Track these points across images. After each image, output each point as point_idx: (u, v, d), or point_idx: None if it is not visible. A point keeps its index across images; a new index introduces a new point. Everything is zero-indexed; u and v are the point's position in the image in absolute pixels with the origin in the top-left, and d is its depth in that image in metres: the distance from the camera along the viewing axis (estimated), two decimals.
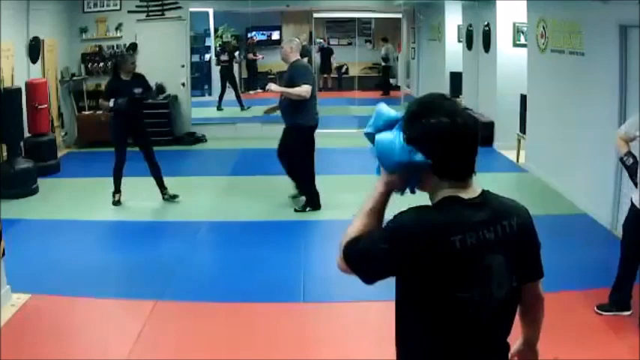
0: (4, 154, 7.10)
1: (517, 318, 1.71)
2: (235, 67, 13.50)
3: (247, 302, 4.39)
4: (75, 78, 9.65)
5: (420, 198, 1.63)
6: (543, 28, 7.36)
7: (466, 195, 1.55)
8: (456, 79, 11.28)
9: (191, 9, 10.40)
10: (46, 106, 8.01)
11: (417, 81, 14.78)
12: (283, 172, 6.43)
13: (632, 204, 3.88)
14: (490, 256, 1.53)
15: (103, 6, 9.82)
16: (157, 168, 6.58)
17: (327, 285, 4.68)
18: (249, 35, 14.82)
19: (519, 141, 8.45)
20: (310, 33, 13.55)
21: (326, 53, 16.03)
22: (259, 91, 11.49)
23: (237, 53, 13.66)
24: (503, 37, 9.03)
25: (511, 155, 8.64)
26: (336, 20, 15.90)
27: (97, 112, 9.59)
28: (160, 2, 9.86)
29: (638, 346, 3.55)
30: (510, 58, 8.87)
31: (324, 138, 9.58)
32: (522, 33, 8.72)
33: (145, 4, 9.84)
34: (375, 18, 15.64)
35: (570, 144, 6.67)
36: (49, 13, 8.92)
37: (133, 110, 6.31)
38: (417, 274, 1.52)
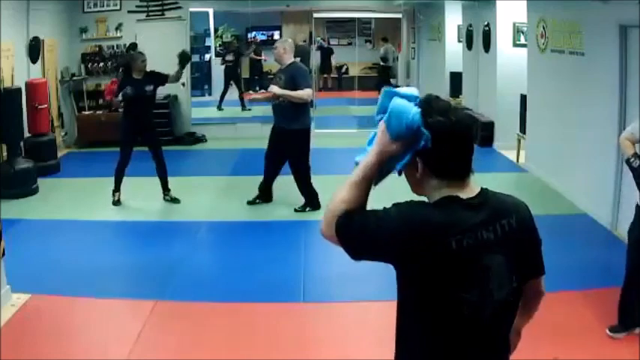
0: (4, 154, 7.10)
1: None
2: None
3: (247, 302, 4.39)
4: (75, 78, 9.65)
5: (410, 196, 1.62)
6: (543, 28, 7.36)
7: (464, 194, 1.55)
8: (456, 79, 11.29)
9: (191, 9, 10.40)
10: (46, 106, 8.01)
11: (417, 81, 14.78)
12: (283, 173, 6.42)
13: (638, 207, 3.68)
14: (489, 256, 1.52)
15: (103, 6, 9.82)
16: (163, 168, 6.58)
17: (327, 285, 4.69)
18: (249, 35, 14.83)
19: (519, 141, 8.45)
20: (310, 33, 13.53)
21: (326, 53, 16.04)
22: (251, 92, 11.43)
23: (247, 52, 13.64)
24: (503, 37, 9.03)
25: (511, 155, 8.64)
26: (336, 20, 15.90)
27: (97, 112, 9.64)
28: (160, 2, 9.86)
29: (638, 346, 3.56)
30: (510, 58, 8.87)
31: (323, 138, 9.63)
32: (522, 33, 8.72)
33: (145, 4, 9.84)
34: (375, 18, 15.63)
35: (570, 144, 6.67)
36: (49, 13, 8.92)
37: (144, 109, 6.32)
38: (415, 271, 1.52)
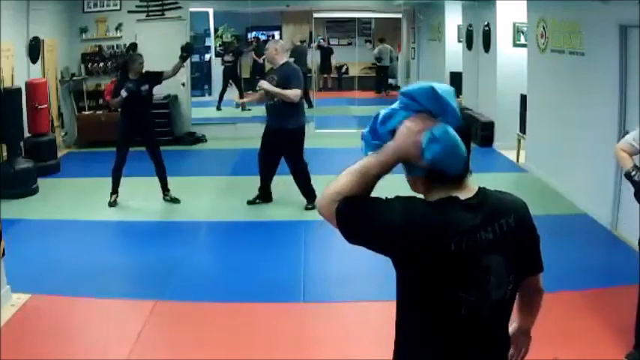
0: (4, 154, 7.10)
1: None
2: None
3: (247, 302, 4.39)
4: (75, 78, 9.64)
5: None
6: (543, 28, 7.36)
7: (462, 195, 1.54)
8: (456, 79, 11.27)
9: (191, 9, 10.40)
10: (46, 106, 8.01)
11: (417, 81, 14.77)
12: (283, 173, 6.43)
13: None
14: (488, 256, 1.52)
15: (103, 6, 9.82)
16: (162, 168, 6.58)
17: (327, 285, 4.69)
18: (249, 35, 14.83)
19: (519, 141, 8.45)
20: (310, 33, 13.55)
21: (326, 53, 16.04)
22: (250, 93, 11.41)
23: (247, 50, 13.62)
24: (503, 37, 9.03)
25: (511, 155, 8.64)
26: (336, 20, 15.92)
27: (97, 112, 9.64)
28: (160, 2, 9.86)
29: None
30: (510, 58, 8.87)
31: (323, 138, 9.64)
32: (522, 33, 8.72)
33: (145, 4, 9.84)
34: (375, 18, 15.65)
35: (570, 144, 6.67)
36: (49, 13, 8.91)
37: (141, 109, 6.34)
38: (414, 270, 1.52)
